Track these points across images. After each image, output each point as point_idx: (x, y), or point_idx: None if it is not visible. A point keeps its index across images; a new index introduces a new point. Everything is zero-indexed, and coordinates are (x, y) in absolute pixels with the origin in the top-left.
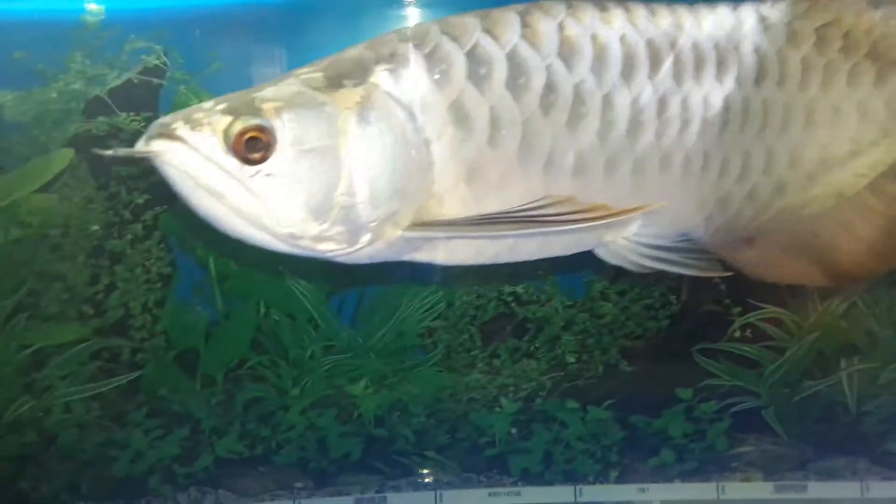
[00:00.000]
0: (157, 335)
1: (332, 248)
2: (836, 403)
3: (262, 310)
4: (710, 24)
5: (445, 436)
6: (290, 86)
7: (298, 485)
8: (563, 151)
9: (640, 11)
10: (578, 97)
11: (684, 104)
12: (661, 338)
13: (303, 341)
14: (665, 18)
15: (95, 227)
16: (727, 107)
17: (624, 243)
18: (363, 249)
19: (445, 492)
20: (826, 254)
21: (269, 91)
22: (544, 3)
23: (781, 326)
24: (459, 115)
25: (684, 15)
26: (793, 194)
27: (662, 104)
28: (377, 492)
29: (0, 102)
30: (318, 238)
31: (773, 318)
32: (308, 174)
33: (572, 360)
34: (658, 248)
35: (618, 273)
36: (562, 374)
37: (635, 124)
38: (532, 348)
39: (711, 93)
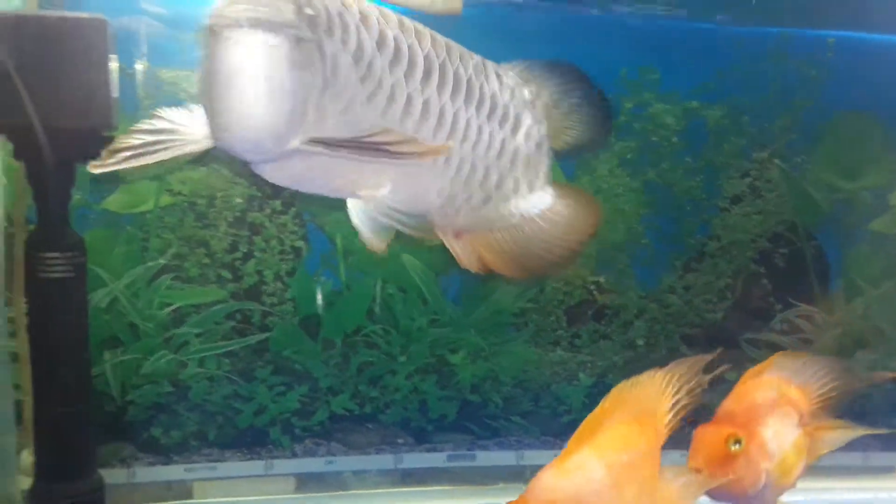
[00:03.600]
0: (286, 301)
1: None
2: None
3: (380, 284)
4: (477, 68)
5: (530, 403)
6: None
7: (400, 441)
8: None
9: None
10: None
11: (442, 112)
12: (716, 327)
13: (412, 314)
14: (454, 50)
15: (239, 200)
16: (470, 127)
17: (373, 201)
18: None
19: (526, 451)
20: (510, 255)
21: None
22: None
23: (812, 322)
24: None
25: (466, 56)
26: (492, 208)
27: (443, 111)
28: (468, 450)
29: (163, 80)
30: None
31: (806, 314)
32: None
33: (641, 343)
34: (397, 210)
35: (685, 270)
36: (632, 354)
37: (423, 113)
38: (608, 331)
39: (471, 118)
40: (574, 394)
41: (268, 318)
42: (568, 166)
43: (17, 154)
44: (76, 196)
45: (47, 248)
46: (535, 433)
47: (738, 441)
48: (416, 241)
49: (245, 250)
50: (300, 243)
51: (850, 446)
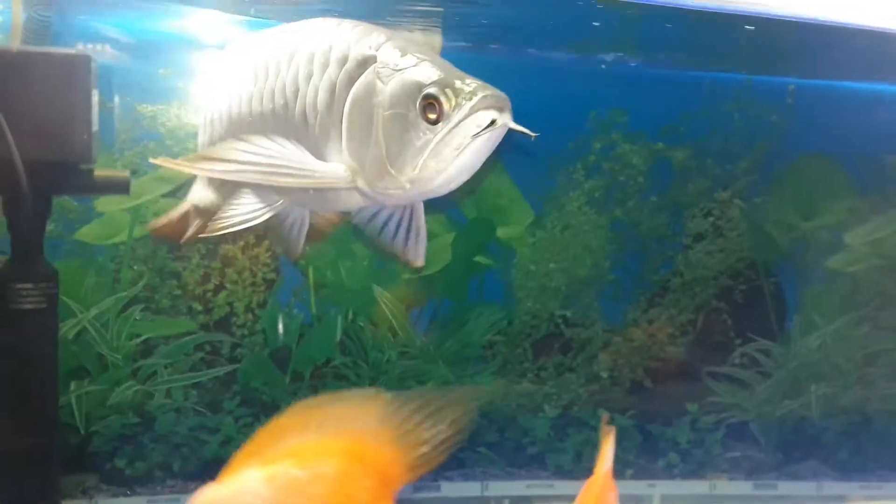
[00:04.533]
0: (256, 333)
1: None
2: (804, 419)
3: (350, 316)
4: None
5: (495, 434)
6: None
7: None
8: None
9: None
10: None
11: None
12: (678, 361)
13: (382, 346)
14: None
15: None
16: None
17: None
18: None
19: (491, 483)
20: None
21: None
22: None
23: (770, 356)
24: None
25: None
26: None
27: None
28: (432, 481)
29: (142, 114)
30: None
31: (764, 349)
32: None
33: (605, 375)
34: None
35: (649, 305)
36: (596, 387)
37: None
38: (574, 364)
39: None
40: (539, 425)
41: (237, 350)
42: (537, 203)
43: None
44: (49, 226)
45: (20, 279)
46: (500, 464)
47: None
48: (387, 274)
49: (217, 282)
50: (272, 275)
51: (804, 476)
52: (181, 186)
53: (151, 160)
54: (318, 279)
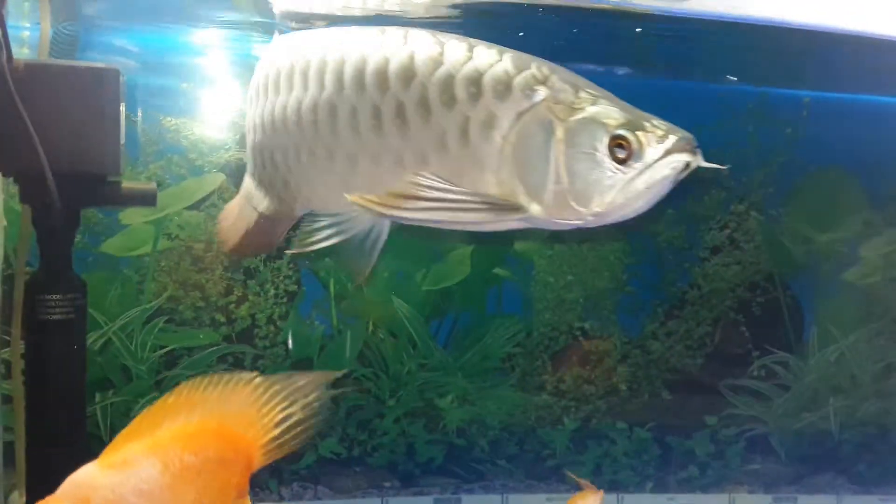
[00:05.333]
0: (277, 345)
1: None
2: (823, 432)
3: (370, 328)
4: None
5: (515, 447)
6: None
7: (387, 484)
8: None
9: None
10: None
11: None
12: (696, 373)
13: (402, 358)
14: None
15: None
16: None
17: None
18: None
19: (511, 495)
20: None
21: None
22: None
23: (788, 368)
24: None
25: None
26: None
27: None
28: (453, 493)
29: (166, 127)
30: None
31: (782, 361)
32: None
33: (624, 387)
34: None
35: (667, 317)
36: (615, 399)
37: None
38: (592, 376)
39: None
40: (558, 438)
41: (259, 361)
42: None
43: (24, 198)
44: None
45: (50, 291)
46: (519, 477)
47: None
48: (407, 286)
49: (239, 294)
50: (294, 287)
51: (824, 489)
52: (204, 200)
53: (350, 197)
54: (338, 291)
